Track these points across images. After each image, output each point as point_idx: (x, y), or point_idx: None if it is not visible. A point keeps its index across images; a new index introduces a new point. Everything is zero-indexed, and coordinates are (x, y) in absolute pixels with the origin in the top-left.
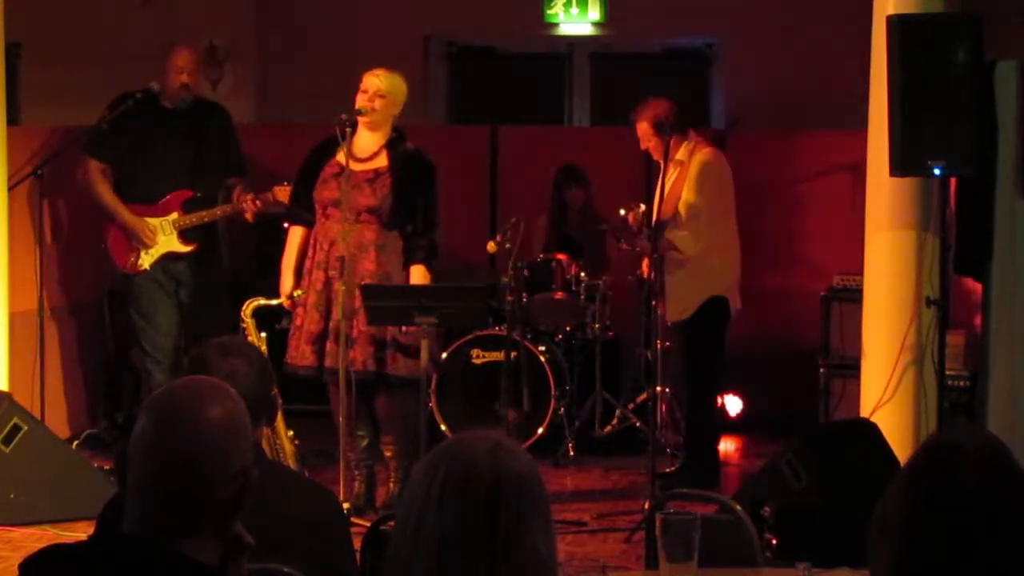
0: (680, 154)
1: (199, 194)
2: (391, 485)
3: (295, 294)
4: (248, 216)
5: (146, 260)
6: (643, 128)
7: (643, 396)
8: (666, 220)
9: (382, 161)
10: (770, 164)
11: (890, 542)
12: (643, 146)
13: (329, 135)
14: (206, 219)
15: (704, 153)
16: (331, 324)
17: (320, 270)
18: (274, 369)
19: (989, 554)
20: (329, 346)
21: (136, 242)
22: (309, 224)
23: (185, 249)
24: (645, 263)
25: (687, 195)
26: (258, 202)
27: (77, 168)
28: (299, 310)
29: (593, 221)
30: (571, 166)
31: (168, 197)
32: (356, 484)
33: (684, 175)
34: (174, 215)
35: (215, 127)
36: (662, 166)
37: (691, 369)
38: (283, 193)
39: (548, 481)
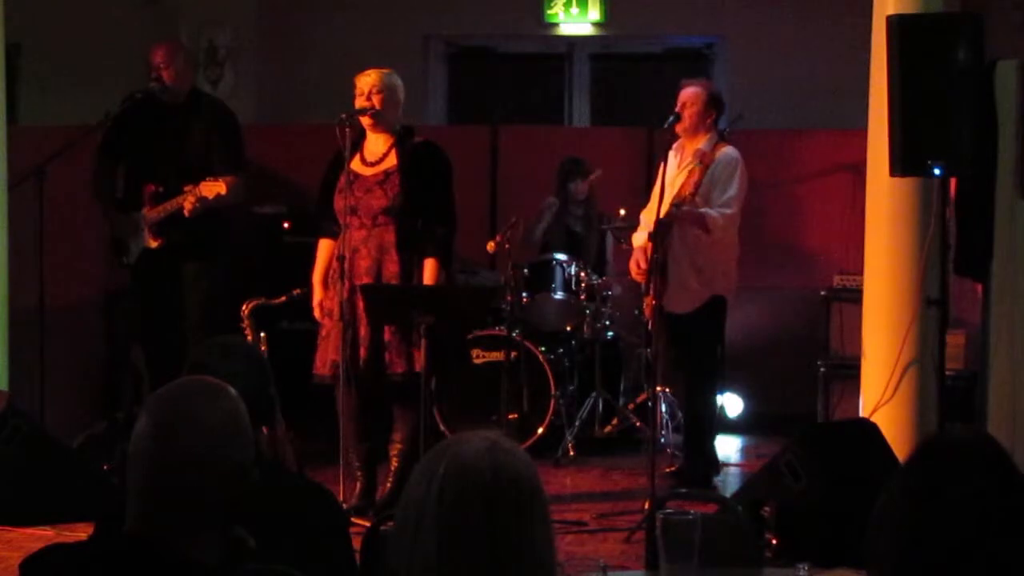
0: (703, 144)
1: (162, 189)
2: (387, 485)
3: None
4: (185, 211)
5: (132, 257)
6: (695, 93)
7: (643, 396)
8: (673, 211)
9: (391, 161)
10: (770, 164)
11: (887, 542)
12: (683, 109)
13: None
14: (161, 214)
15: (731, 149)
16: (361, 332)
17: (346, 279)
18: (273, 369)
19: (986, 554)
20: (363, 353)
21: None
22: (336, 236)
23: (153, 244)
24: (633, 263)
25: (723, 184)
26: (191, 196)
27: (86, 169)
28: (326, 320)
29: (597, 218)
30: (575, 158)
31: (144, 193)
32: (356, 484)
33: (707, 167)
34: (144, 210)
35: (204, 122)
36: (667, 157)
37: (690, 368)
38: (207, 188)
39: (548, 481)
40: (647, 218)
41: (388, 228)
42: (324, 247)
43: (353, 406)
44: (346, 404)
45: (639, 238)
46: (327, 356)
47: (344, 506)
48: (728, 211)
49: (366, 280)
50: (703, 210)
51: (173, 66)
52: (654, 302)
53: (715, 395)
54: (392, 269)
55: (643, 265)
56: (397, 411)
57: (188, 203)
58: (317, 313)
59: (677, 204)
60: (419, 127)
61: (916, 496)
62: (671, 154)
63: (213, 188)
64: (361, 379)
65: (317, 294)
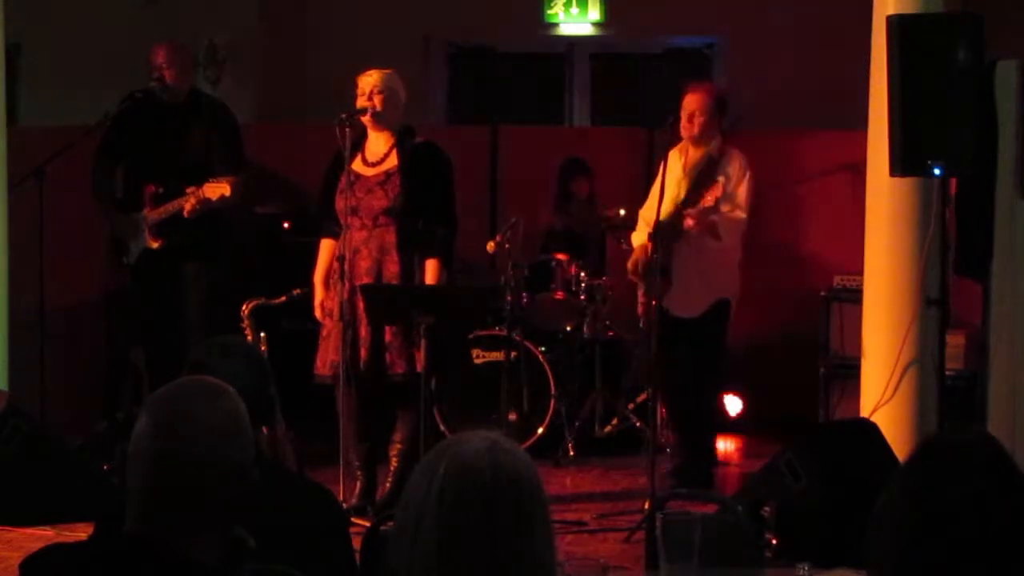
0: (711, 149)
1: (162, 190)
2: (387, 486)
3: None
4: (184, 212)
5: (132, 257)
6: (703, 101)
7: (643, 396)
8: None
9: (392, 162)
10: (770, 164)
11: (887, 542)
12: (691, 118)
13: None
14: (163, 215)
15: (738, 152)
16: (361, 333)
17: (346, 280)
18: (273, 369)
19: (986, 554)
20: (364, 353)
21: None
22: (337, 236)
23: (154, 245)
24: (631, 263)
25: (735, 188)
26: (192, 198)
27: (86, 169)
28: (327, 321)
29: (597, 217)
30: (576, 158)
31: (144, 193)
32: (356, 484)
33: (716, 170)
34: (145, 211)
35: (204, 123)
36: (667, 157)
37: (696, 370)
38: (211, 190)
39: (548, 481)
40: (647, 216)
41: (389, 229)
42: (326, 247)
43: (353, 406)
44: (346, 404)
45: (638, 238)
46: (327, 356)
47: (344, 506)
48: (738, 216)
49: (366, 280)
50: (713, 218)
51: (175, 66)
52: (654, 303)
53: (717, 397)
54: (393, 269)
55: (642, 266)
56: (398, 411)
57: (189, 204)
58: (318, 313)
59: (665, 221)
60: (419, 127)
61: (916, 496)
62: (674, 154)
63: (217, 189)
64: (361, 379)
65: (318, 294)
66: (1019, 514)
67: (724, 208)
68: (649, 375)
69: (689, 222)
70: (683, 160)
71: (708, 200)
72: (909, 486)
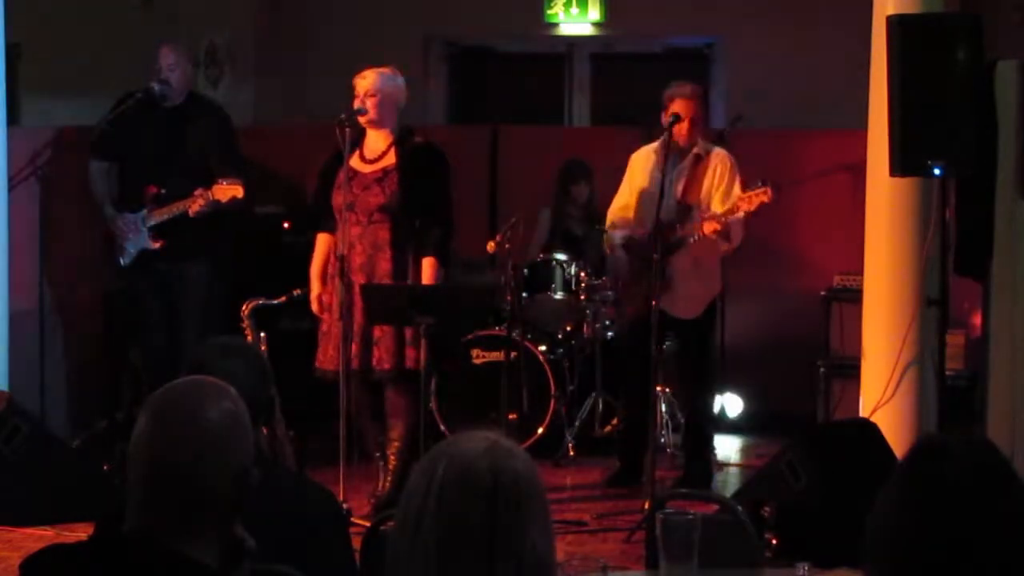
0: (698, 147)
1: (163, 191)
2: (387, 486)
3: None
4: (190, 212)
5: (128, 258)
6: (693, 105)
7: None
8: (688, 209)
9: (390, 159)
10: (770, 164)
11: (886, 542)
12: (685, 120)
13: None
14: (166, 216)
15: (724, 151)
16: (356, 327)
17: (345, 277)
18: (273, 369)
19: (983, 555)
20: (355, 348)
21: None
22: (333, 231)
23: (155, 245)
24: (618, 265)
25: (730, 186)
26: (200, 199)
27: (86, 169)
28: (325, 315)
29: (595, 219)
30: (579, 160)
31: (145, 194)
32: (379, 476)
33: (705, 168)
34: (144, 211)
35: (202, 124)
36: (665, 156)
37: (695, 370)
38: (221, 192)
39: (548, 481)
40: (622, 216)
41: (383, 225)
42: (322, 241)
43: (361, 401)
44: (353, 401)
45: (621, 237)
46: (328, 352)
47: (372, 501)
48: (741, 216)
49: (360, 277)
50: (728, 219)
51: (180, 68)
52: (654, 303)
53: (715, 396)
54: (385, 267)
55: (631, 265)
56: (389, 409)
57: (196, 205)
58: (315, 307)
59: (667, 221)
60: (419, 127)
61: (909, 498)
62: (653, 152)
63: (228, 191)
64: (354, 375)
65: (315, 288)
66: (1018, 514)
67: (717, 208)
68: (646, 375)
69: (715, 226)
70: (663, 157)
71: (743, 206)
72: (906, 486)
